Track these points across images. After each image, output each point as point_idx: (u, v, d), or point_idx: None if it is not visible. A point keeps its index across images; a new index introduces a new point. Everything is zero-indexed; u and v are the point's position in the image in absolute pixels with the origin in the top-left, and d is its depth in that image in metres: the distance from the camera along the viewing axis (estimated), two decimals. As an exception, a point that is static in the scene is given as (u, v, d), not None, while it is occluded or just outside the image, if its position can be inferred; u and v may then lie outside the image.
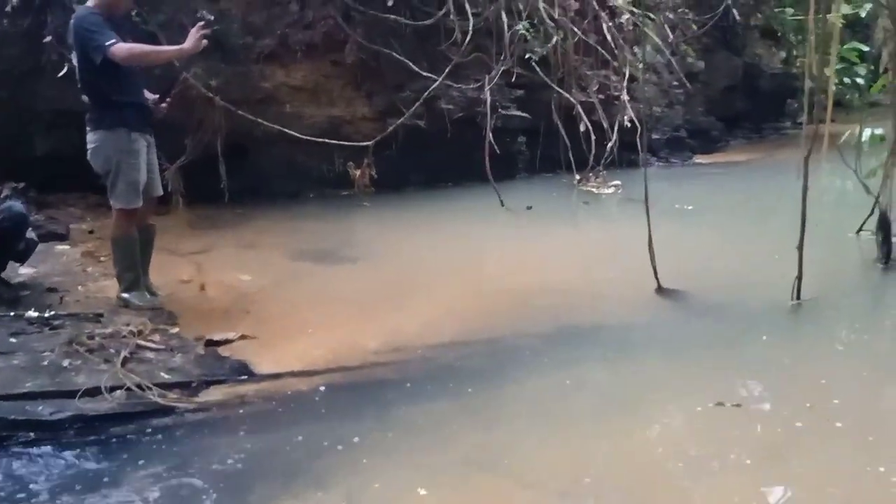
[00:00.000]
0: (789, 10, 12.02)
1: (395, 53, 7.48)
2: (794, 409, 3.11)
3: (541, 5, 8.09)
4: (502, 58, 7.92)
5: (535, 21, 8.18)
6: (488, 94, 7.71)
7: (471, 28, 7.57)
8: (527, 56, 8.12)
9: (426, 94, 7.40)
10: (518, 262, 5.58)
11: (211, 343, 3.92)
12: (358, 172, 7.37)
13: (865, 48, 11.33)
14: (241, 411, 3.27)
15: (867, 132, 5.34)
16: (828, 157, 5.45)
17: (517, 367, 3.73)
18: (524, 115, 8.26)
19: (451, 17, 7.62)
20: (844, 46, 11.80)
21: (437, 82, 7.47)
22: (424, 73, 7.46)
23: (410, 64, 7.45)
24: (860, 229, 5.45)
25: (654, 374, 3.66)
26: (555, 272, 5.27)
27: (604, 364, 3.81)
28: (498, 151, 7.53)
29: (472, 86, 7.86)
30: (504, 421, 3.21)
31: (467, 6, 7.64)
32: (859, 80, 11.70)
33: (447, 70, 7.53)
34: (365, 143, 7.29)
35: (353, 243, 6.26)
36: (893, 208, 5.03)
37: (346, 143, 7.28)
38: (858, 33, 11.95)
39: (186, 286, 4.86)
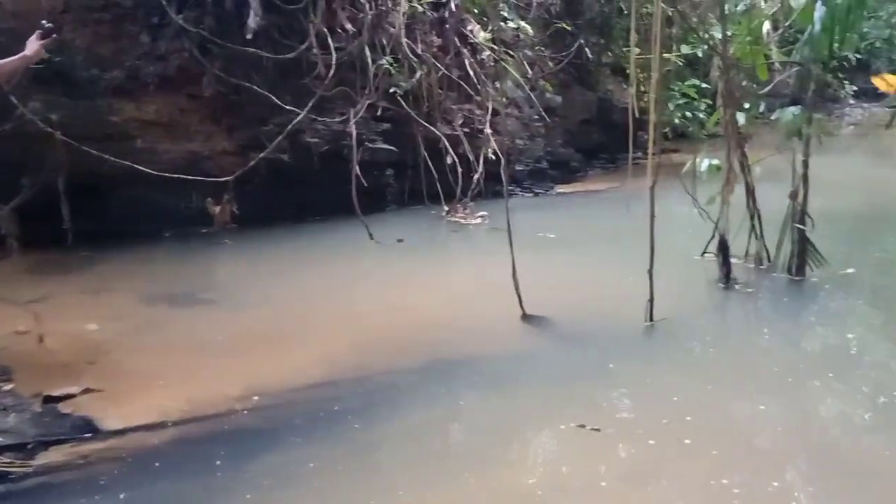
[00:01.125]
0: (636, 50, 12.90)
1: (256, 87, 7.30)
2: (649, 428, 3.24)
3: (403, 40, 8.19)
4: (367, 91, 7.93)
5: (399, 56, 8.28)
6: (353, 127, 7.68)
7: (334, 62, 7.53)
8: (391, 90, 8.19)
9: (289, 127, 7.27)
10: (389, 297, 5.52)
11: (50, 399, 3.61)
12: (218, 209, 7.09)
13: (704, 84, 12.34)
14: (83, 473, 3.01)
15: (705, 162, 5.74)
16: (674, 185, 5.83)
17: (392, 406, 3.67)
18: (391, 148, 8.28)
19: (314, 50, 7.56)
20: (685, 83, 12.85)
21: (301, 115, 7.36)
22: (288, 107, 7.33)
23: (272, 97, 7.30)
24: (704, 252, 5.84)
25: (523, 403, 3.73)
26: (426, 306, 5.26)
27: (476, 396, 3.84)
28: (366, 185, 7.50)
29: (337, 119, 7.81)
30: (378, 462, 3.14)
31: (330, 40, 7.61)
32: (699, 114, 12.72)
33: (311, 103, 7.44)
34: (225, 179, 7.03)
35: (213, 285, 5.99)
36: (731, 232, 5.45)
37: (204, 178, 6.98)
38: (698, 70, 12.99)
39: (23, 338, 4.46)
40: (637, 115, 5.01)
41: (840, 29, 4.97)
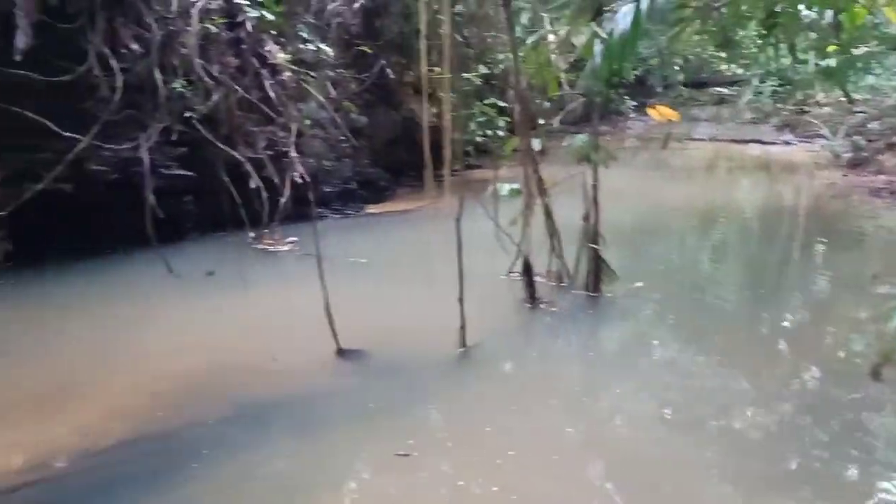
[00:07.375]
0: (437, 70, 13.30)
1: (27, 112, 6.53)
2: (460, 460, 3.32)
3: (197, 61, 7.77)
4: (159, 115, 7.42)
5: (194, 78, 7.84)
6: (145, 153, 7.15)
7: (119, 84, 6.96)
8: (186, 113, 7.72)
9: (70, 155, 6.61)
10: (193, 337, 5.18)
11: None
12: (-11, 248, 6.26)
13: (502, 103, 12.99)
14: None
15: (506, 187, 5.98)
16: (477, 203, 5.98)
17: (194, 462, 3.46)
18: (189, 173, 7.82)
19: (95, 72, 6.94)
20: (484, 102, 13.45)
21: (84, 142, 6.72)
22: (66, 133, 6.65)
23: (49, 123, 6.57)
24: (510, 272, 6.11)
25: (340, 444, 3.67)
26: (234, 345, 5.01)
27: (290, 441, 3.74)
28: (161, 214, 6.99)
29: (126, 145, 7.22)
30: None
31: (113, 62, 7.02)
32: (499, 132, 13.38)
33: (95, 129, 6.82)
34: (-3, 214, 6.23)
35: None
36: (532, 250, 5.75)
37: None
38: (497, 88, 13.65)
39: None
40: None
41: (617, 61, 5.43)
